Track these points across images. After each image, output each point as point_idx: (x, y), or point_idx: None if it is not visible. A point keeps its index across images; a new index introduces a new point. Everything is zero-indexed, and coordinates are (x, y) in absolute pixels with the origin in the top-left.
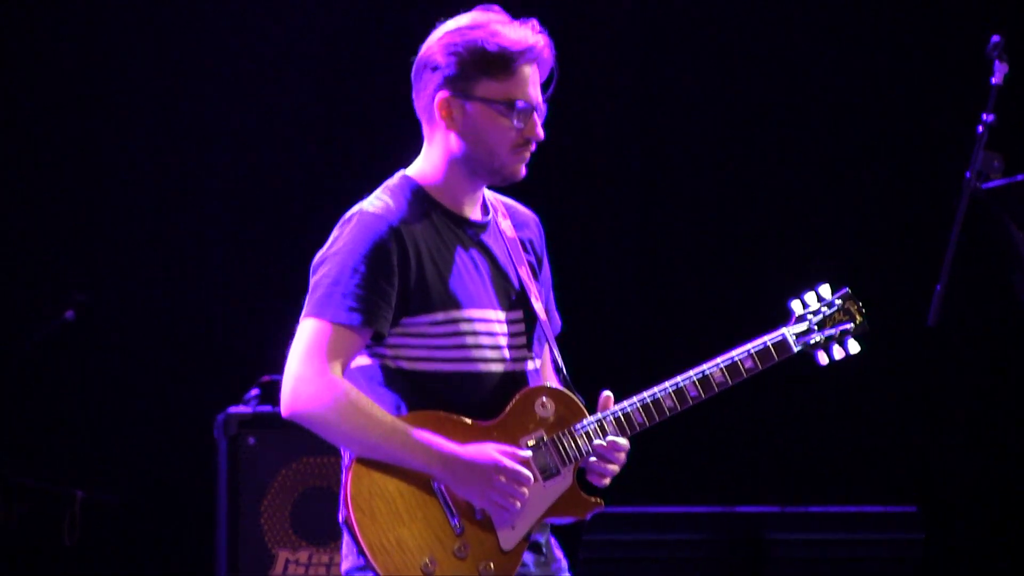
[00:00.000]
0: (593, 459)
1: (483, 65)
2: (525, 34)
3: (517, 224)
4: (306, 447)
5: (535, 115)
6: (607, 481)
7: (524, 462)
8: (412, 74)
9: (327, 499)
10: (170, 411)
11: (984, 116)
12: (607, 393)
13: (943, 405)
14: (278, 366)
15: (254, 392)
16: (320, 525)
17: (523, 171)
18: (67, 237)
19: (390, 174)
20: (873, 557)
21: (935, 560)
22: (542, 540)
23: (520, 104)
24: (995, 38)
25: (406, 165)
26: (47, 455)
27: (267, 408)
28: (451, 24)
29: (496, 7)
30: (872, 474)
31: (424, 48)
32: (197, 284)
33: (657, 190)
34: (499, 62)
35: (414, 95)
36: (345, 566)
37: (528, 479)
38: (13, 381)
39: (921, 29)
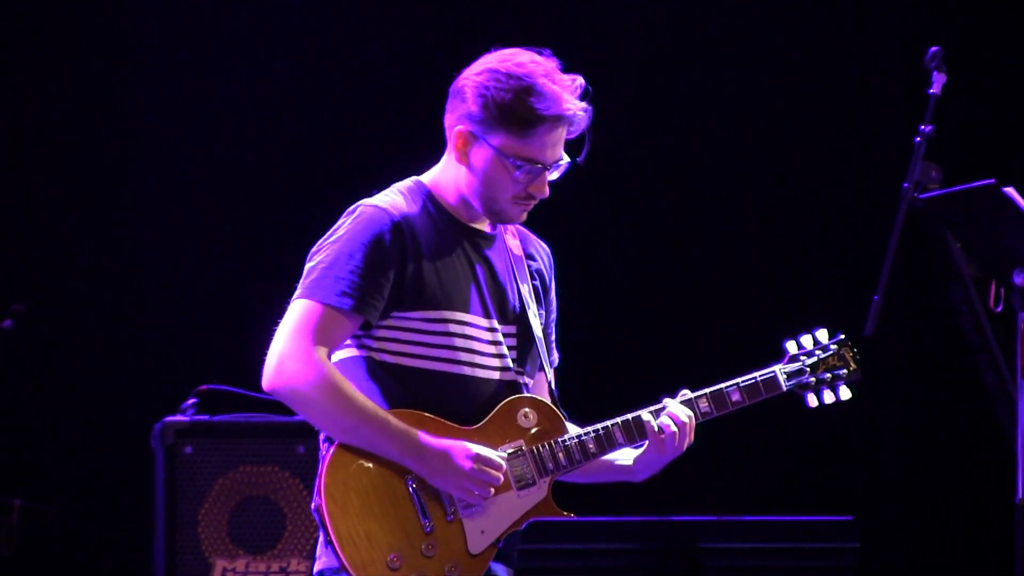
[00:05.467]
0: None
1: (505, 120)
2: (560, 98)
3: (527, 249)
4: (243, 456)
5: (546, 174)
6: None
7: (498, 457)
8: (449, 89)
9: (264, 508)
10: (107, 420)
11: (922, 127)
12: (684, 390)
13: (880, 415)
14: (215, 375)
15: (191, 401)
16: (257, 534)
17: (522, 218)
18: (5, 246)
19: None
20: (809, 566)
21: (870, 570)
22: None
23: (535, 167)
24: (933, 49)
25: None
26: None
27: (204, 417)
28: (494, 61)
29: (547, 52)
30: (808, 483)
31: (466, 73)
32: (135, 293)
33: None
34: (523, 122)
35: (445, 111)
36: (318, 566)
37: (500, 466)
38: None
39: (859, 40)
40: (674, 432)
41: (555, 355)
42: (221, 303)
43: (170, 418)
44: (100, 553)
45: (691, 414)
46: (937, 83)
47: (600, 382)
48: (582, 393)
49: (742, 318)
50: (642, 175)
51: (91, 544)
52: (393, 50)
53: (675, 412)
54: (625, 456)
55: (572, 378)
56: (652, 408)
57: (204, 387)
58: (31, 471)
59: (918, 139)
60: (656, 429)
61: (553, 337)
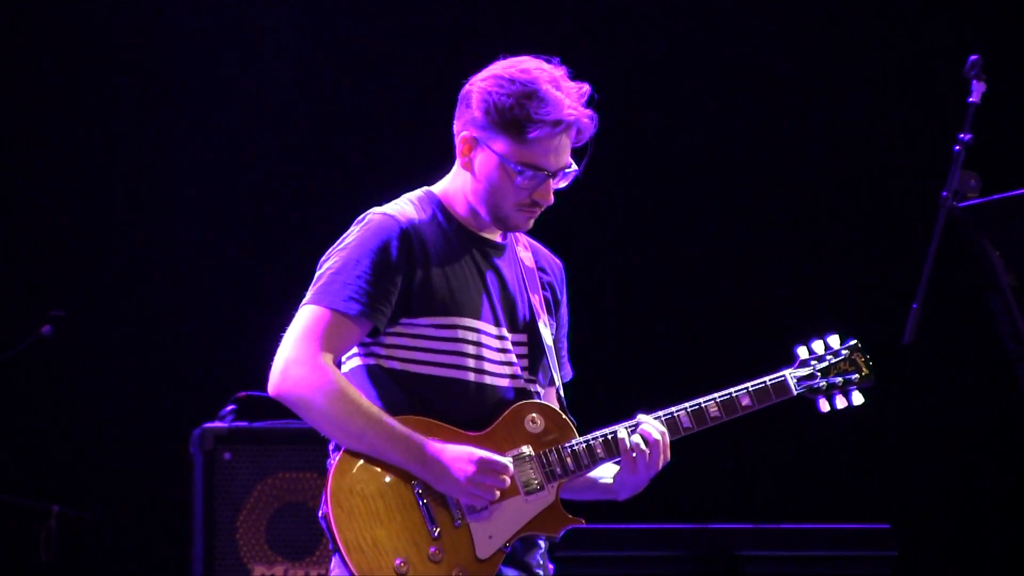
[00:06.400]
0: (636, 454)
1: (507, 126)
2: (561, 104)
3: (539, 262)
4: (282, 462)
5: (550, 181)
6: (642, 465)
7: (505, 461)
8: (459, 95)
9: (302, 514)
10: (146, 426)
11: (961, 135)
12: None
13: (917, 423)
14: (254, 382)
15: (230, 408)
16: (295, 540)
17: (528, 225)
18: (44, 253)
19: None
20: (846, 574)
21: None
22: (531, 561)
23: (538, 173)
24: (973, 57)
25: (431, 183)
26: (23, 470)
27: (243, 423)
28: (500, 68)
29: (556, 60)
30: (846, 491)
31: (472, 80)
32: (174, 300)
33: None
34: (523, 128)
35: (454, 117)
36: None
37: (506, 469)
38: None
39: (898, 49)
40: (643, 452)
41: (567, 369)
42: (260, 310)
43: (209, 424)
44: (138, 559)
45: (664, 431)
46: (976, 92)
47: (613, 388)
48: (595, 398)
49: (780, 328)
50: (677, 180)
51: (129, 550)
52: (411, 61)
53: (647, 431)
54: (607, 475)
55: (584, 383)
56: (628, 424)
57: (243, 393)
58: (69, 477)
59: (957, 148)
60: (628, 448)
61: (565, 352)
